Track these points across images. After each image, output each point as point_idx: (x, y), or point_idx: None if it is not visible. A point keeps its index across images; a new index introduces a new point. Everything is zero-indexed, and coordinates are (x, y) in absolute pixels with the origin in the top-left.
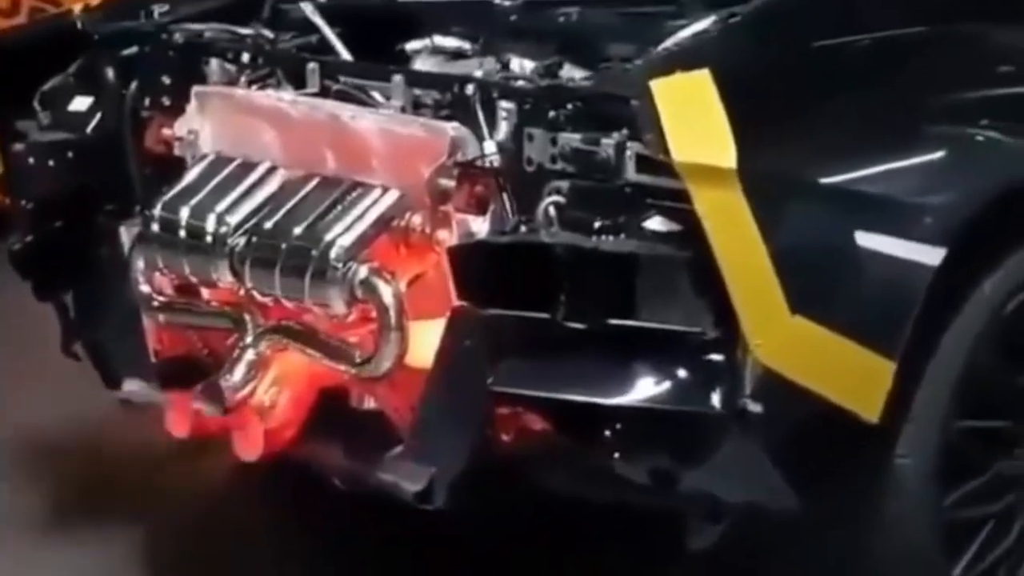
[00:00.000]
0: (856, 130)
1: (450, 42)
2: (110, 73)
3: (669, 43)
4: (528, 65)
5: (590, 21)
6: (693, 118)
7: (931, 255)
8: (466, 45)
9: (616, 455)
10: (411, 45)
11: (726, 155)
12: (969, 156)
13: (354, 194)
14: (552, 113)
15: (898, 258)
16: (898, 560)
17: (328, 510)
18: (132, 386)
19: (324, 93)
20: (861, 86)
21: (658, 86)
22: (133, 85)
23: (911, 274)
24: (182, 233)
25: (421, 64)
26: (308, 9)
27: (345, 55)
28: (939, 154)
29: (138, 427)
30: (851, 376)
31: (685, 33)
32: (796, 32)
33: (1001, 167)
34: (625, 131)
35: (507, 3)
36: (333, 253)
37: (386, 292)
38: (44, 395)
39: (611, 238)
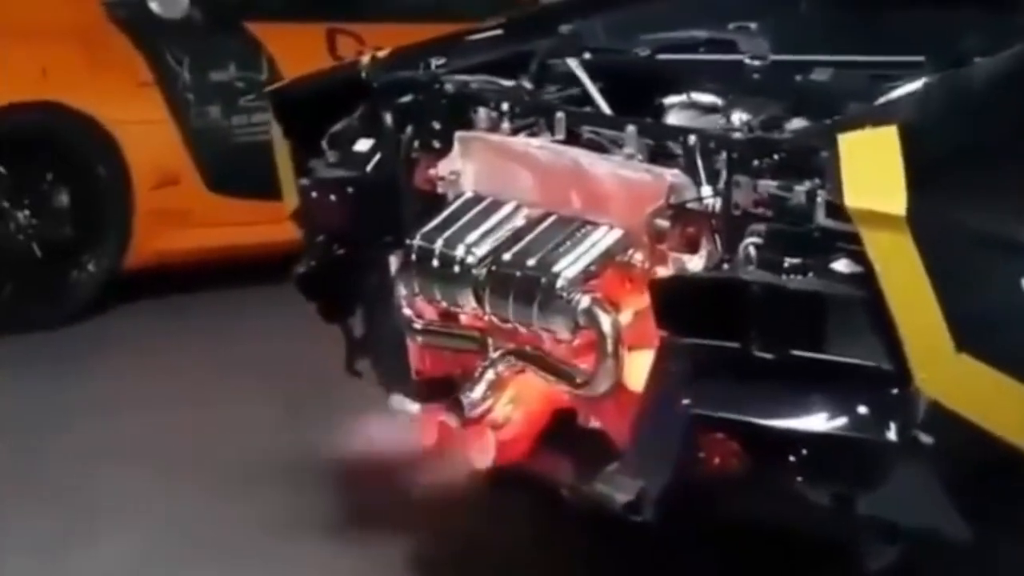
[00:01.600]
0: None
1: (705, 97)
2: (388, 118)
3: (881, 100)
4: (745, 118)
5: (825, 81)
6: (872, 168)
7: None
8: (719, 100)
9: (799, 478)
10: (669, 99)
11: (897, 203)
12: None
13: (584, 231)
14: (756, 162)
15: None
16: None
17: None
18: (396, 400)
19: (575, 140)
20: None
21: (845, 139)
22: (408, 129)
23: None
24: (435, 262)
25: (675, 117)
26: (573, 64)
27: (604, 108)
28: None
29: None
30: (1015, 413)
31: (896, 93)
32: (985, 99)
33: None
34: (816, 180)
35: (756, 63)
36: (559, 283)
37: (605, 321)
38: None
39: (800, 277)
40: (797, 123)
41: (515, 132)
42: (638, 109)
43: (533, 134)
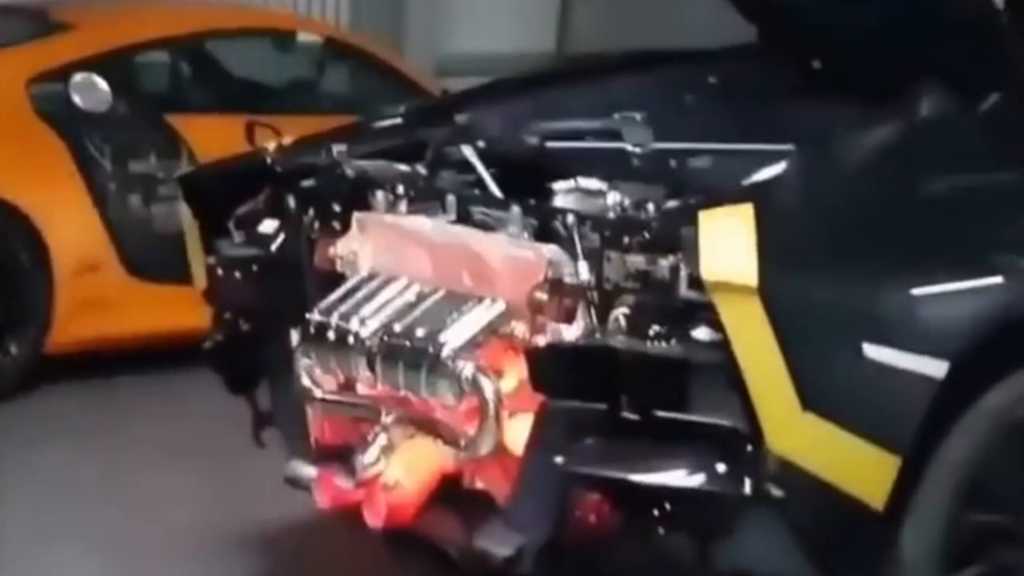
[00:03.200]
0: (871, 256)
1: (590, 182)
2: (292, 201)
3: (744, 183)
4: (619, 199)
5: (701, 167)
6: (727, 243)
7: (936, 368)
8: (603, 185)
9: (663, 530)
10: (558, 184)
11: (749, 274)
12: (969, 286)
13: (470, 304)
14: (626, 239)
15: (903, 368)
16: None
17: None
18: (294, 465)
19: (467, 221)
20: (880, 219)
21: (704, 216)
22: (310, 211)
23: (916, 383)
24: (331, 335)
25: (562, 200)
26: (467, 152)
27: (496, 192)
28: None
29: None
30: (859, 468)
31: (758, 175)
32: (840, 178)
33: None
34: (679, 255)
35: (638, 150)
36: (445, 352)
37: (487, 387)
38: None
39: (663, 344)
40: (672, 204)
41: (411, 214)
42: (528, 193)
43: (429, 216)
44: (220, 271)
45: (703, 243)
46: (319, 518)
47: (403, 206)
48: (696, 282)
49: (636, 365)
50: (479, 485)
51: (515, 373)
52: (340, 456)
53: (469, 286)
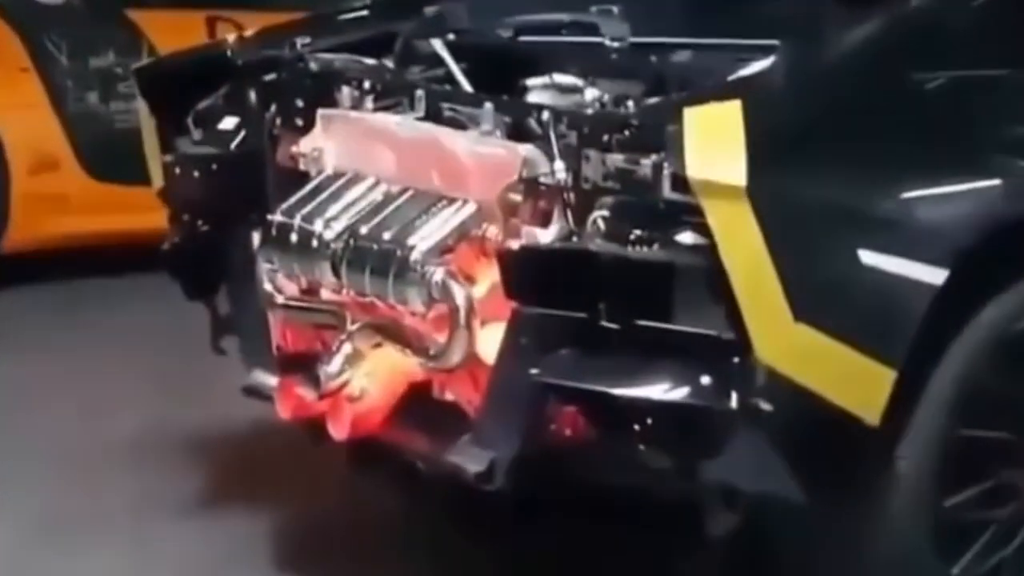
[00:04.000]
0: (865, 156)
1: (565, 78)
2: (253, 96)
3: (730, 78)
4: (597, 95)
5: (682, 62)
6: (714, 141)
7: (934, 275)
8: (579, 81)
9: (644, 446)
10: (531, 80)
11: (737, 174)
12: (976, 184)
13: (439, 205)
14: (606, 137)
15: (899, 276)
16: (896, 556)
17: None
18: (256, 374)
19: (436, 118)
20: (874, 117)
21: (690, 113)
22: (272, 107)
23: (913, 292)
24: (294, 237)
25: (536, 96)
26: (437, 45)
27: (467, 87)
28: (946, 182)
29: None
30: (853, 381)
31: (745, 71)
32: (831, 75)
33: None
34: (662, 153)
35: (616, 44)
36: (414, 256)
37: (458, 293)
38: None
39: (645, 248)
40: (654, 101)
41: (377, 110)
42: (500, 89)
43: (397, 112)
44: (178, 170)
45: (688, 141)
46: (278, 427)
47: (369, 102)
48: (681, 183)
49: (615, 271)
50: (449, 396)
51: (487, 279)
52: (303, 365)
53: (439, 186)
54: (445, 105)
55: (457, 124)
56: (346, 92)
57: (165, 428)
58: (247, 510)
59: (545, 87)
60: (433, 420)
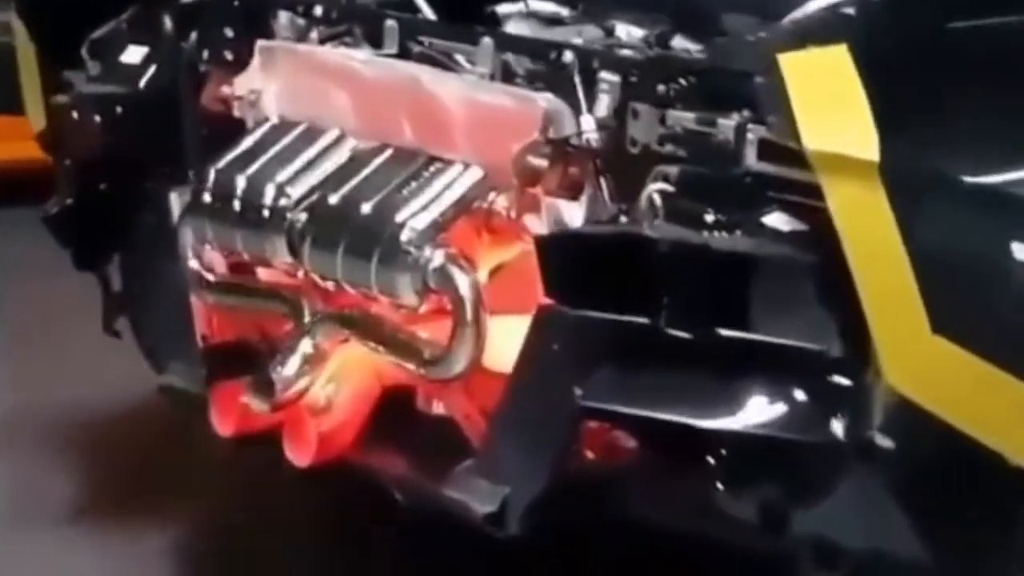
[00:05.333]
0: (1017, 126)
1: (546, 6)
2: (167, 22)
3: (797, 15)
4: (636, 33)
5: None
6: (828, 100)
7: None
8: (563, 11)
9: (720, 486)
10: (503, 8)
11: (868, 146)
12: None
13: (431, 169)
14: (662, 88)
15: None
16: None
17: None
18: (175, 373)
19: (404, 55)
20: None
21: (787, 61)
22: (192, 36)
23: None
24: (236, 204)
25: (513, 29)
26: None
27: (429, 14)
28: None
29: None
30: (1001, 411)
31: (814, 5)
32: (945, 12)
33: None
34: (746, 112)
35: None
36: (405, 235)
37: (463, 283)
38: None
39: (724, 235)
40: (679, 41)
41: (322, 42)
42: (466, 19)
43: (343, 45)
44: (70, 113)
45: (796, 99)
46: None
47: (315, 33)
48: (771, 150)
49: (681, 262)
50: (437, 408)
51: (488, 263)
52: (242, 363)
53: (424, 144)
54: (425, 40)
55: (433, 63)
56: (284, 19)
57: (39, 410)
58: (152, 515)
59: (521, 17)
60: (417, 439)
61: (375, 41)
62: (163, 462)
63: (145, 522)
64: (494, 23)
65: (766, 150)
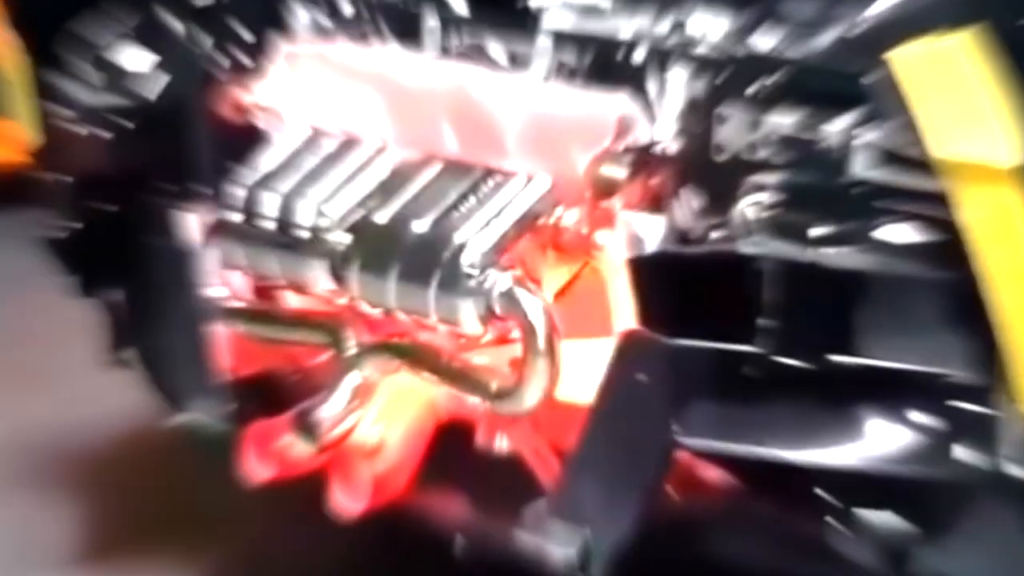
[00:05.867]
0: None
1: None
2: (177, 24)
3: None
4: (715, 26)
5: None
6: (953, 99)
7: None
8: (605, 3)
9: (833, 525)
10: (535, 1)
11: (1003, 149)
12: None
13: (490, 182)
14: (753, 89)
15: None
16: None
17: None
18: (199, 410)
19: (444, 55)
20: None
21: (902, 55)
22: (207, 39)
23: None
24: (270, 225)
25: (555, 22)
26: None
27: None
28: None
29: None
30: None
31: None
32: None
33: None
34: (856, 114)
35: None
36: (467, 257)
37: (534, 308)
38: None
39: (834, 250)
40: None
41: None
42: (499, 12)
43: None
44: (71, 128)
45: (916, 98)
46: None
47: (346, 33)
48: (885, 157)
49: (786, 282)
50: (501, 443)
51: (554, 283)
52: (277, 399)
53: (478, 154)
54: (466, 39)
55: (478, 63)
56: (308, 19)
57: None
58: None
59: (560, 8)
60: (479, 478)
61: (410, 40)
62: (173, 498)
63: (156, 563)
64: (527, 16)
65: (879, 156)
